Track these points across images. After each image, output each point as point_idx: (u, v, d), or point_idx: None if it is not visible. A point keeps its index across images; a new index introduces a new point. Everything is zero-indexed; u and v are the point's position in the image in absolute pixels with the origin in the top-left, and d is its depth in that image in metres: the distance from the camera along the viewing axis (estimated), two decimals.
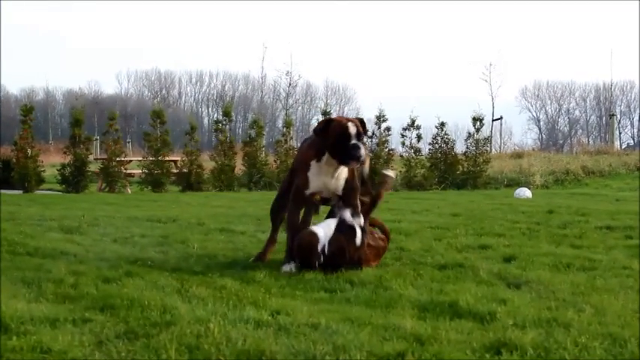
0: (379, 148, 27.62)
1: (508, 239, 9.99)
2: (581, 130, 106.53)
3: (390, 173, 8.58)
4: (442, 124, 28.55)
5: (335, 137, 7.68)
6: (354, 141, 7.64)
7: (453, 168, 27.96)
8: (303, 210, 8.28)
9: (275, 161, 26.92)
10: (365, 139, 8.00)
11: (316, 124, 8.15)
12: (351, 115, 78.14)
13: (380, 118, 27.99)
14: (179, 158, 27.24)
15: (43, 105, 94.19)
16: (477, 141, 28.55)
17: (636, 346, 4.62)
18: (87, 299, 6.03)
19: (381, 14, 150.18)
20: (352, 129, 7.68)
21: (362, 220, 7.80)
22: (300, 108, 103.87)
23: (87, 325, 5.19)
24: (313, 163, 7.90)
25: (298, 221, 8.12)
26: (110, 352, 4.55)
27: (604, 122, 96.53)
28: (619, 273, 7.41)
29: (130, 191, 25.53)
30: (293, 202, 8.07)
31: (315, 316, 5.43)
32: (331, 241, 7.58)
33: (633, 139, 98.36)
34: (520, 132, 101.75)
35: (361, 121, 7.94)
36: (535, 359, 4.46)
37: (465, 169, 28.12)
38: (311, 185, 7.92)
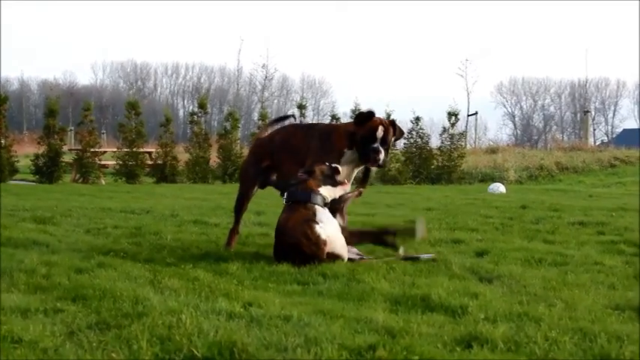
0: None
1: (481, 234, 10.04)
2: (555, 127, 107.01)
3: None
4: (417, 119, 28.65)
5: (362, 135, 8.08)
6: (376, 144, 8.05)
7: (427, 162, 28.06)
8: None
9: None
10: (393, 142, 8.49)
11: (358, 114, 8.40)
12: (327, 108, 78.15)
13: (355, 112, 28.00)
14: (154, 150, 27.19)
15: (17, 95, 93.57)
16: (451, 136, 28.63)
17: (606, 341, 4.64)
18: (59, 289, 6.01)
19: (358, 10, 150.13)
20: (379, 132, 8.08)
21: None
22: (275, 101, 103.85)
23: (58, 316, 5.17)
24: (347, 151, 8.19)
25: None
26: (81, 343, 4.53)
27: (578, 119, 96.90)
28: (590, 268, 7.45)
29: (104, 182, 25.46)
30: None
31: (288, 308, 5.43)
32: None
33: (607, 136, 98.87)
34: (495, 127, 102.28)
35: (393, 124, 8.35)
36: (505, 353, 4.48)
37: (440, 164, 28.21)
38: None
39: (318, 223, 7.59)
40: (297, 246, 7.48)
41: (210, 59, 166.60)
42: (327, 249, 7.54)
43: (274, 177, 8.62)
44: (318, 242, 7.51)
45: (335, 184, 7.95)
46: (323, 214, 7.73)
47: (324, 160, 8.00)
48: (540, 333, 4.80)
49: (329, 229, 7.64)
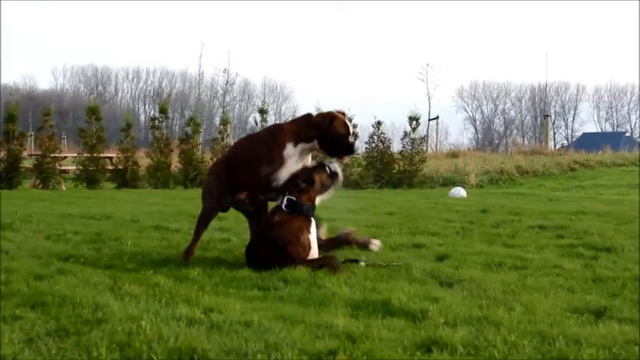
0: None
1: (442, 238, 10.06)
2: (516, 131, 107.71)
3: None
4: (379, 123, 28.68)
5: (338, 133, 8.10)
6: (352, 138, 8.22)
7: (389, 167, 28.09)
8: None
9: (211, 159, 26.80)
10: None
11: (318, 116, 8.35)
12: (288, 112, 78.14)
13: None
14: (114, 155, 27.07)
15: None
16: (413, 140, 28.71)
17: (564, 344, 4.67)
18: (18, 296, 5.97)
19: (320, 14, 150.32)
20: (351, 127, 8.29)
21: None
22: (237, 105, 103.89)
23: (17, 323, 5.14)
24: (290, 145, 8.01)
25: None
26: (40, 350, 4.51)
27: (539, 122, 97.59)
28: (550, 272, 7.48)
29: (64, 188, 25.30)
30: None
31: (248, 313, 5.42)
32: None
33: (567, 140, 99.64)
34: (456, 132, 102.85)
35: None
36: (465, 357, 4.50)
37: (401, 168, 28.27)
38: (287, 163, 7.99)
39: (311, 233, 7.68)
40: (284, 246, 7.51)
41: (171, 64, 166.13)
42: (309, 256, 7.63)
43: (243, 196, 8.34)
44: (305, 248, 7.57)
45: (327, 189, 8.04)
46: (315, 225, 7.80)
47: (271, 156, 7.94)
48: (500, 337, 4.82)
49: (315, 238, 7.75)
